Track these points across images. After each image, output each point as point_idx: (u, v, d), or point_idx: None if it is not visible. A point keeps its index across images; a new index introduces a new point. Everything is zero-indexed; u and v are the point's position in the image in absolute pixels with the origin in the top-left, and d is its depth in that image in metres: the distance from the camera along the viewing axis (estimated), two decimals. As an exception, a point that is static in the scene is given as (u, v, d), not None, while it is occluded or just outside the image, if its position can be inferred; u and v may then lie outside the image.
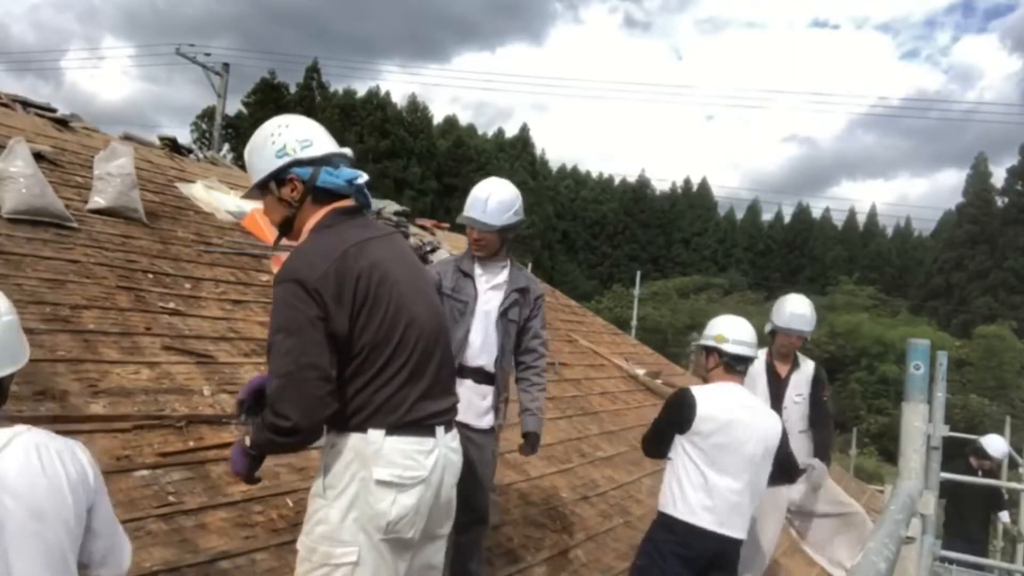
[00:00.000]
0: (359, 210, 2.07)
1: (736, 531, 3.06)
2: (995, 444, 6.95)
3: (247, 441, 2.01)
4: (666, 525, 3.07)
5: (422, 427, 1.97)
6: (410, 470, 1.93)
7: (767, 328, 4.22)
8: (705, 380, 3.31)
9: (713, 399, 3.10)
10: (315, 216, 2.00)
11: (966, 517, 6.53)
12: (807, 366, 4.20)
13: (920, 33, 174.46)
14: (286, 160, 1.98)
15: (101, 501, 1.56)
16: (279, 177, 2.00)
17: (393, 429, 1.92)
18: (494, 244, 3.12)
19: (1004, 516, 7.00)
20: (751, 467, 3.08)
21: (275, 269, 2.12)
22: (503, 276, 3.17)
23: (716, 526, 3.02)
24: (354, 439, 1.92)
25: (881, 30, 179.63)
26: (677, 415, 3.11)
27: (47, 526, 1.41)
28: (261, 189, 2.05)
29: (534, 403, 3.20)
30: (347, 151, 2.09)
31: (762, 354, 4.18)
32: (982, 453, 6.80)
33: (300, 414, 1.83)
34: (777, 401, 4.09)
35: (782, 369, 4.16)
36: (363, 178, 2.04)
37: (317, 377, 1.84)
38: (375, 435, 1.91)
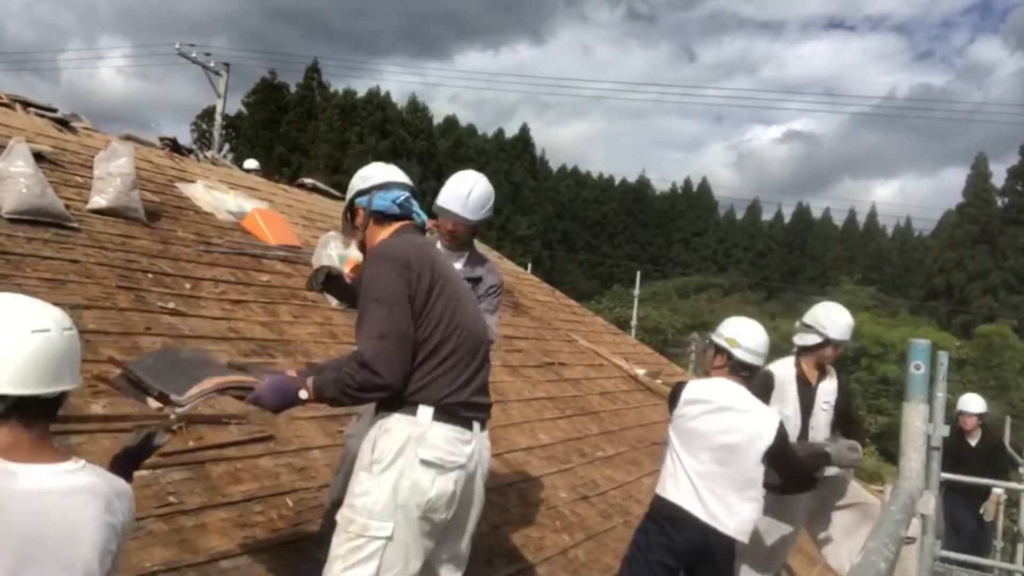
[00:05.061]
0: (422, 230, 2.46)
1: (720, 524, 3.06)
2: (974, 401, 7.04)
3: (304, 393, 2.18)
4: (653, 510, 3.18)
5: (462, 418, 2.20)
6: (451, 455, 2.14)
7: (809, 340, 4.02)
8: (707, 375, 3.36)
9: (705, 387, 3.20)
10: (384, 231, 2.37)
11: (967, 485, 6.48)
12: (833, 374, 4.14)
13: (935, 33, 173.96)
14: (351, 194, 2.46)
15: (122, 553, 1.54)
16: (352, 210, 2.46)
17: (438, 413, 2.15)
18: (465, 236, 3.22)
19: (997, 491, 6.88)
20: (733, 459, 3.09)
21: (346, 269, 2.55)
22: (458, 265, 3.24)
23: (699, 512, 3.05)
24: (404, 420, 2.14)
25: (896, 31, 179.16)
26: (669, 403, 3.26)
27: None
28: (347, 224, 2.51)
29: None
30: (405, 180, 2.49)
31: (788, 363, 4.05)
32: (966, 413, 6.91)
33: (393, 372, 2.10)
34: (808, 410, 4.04)
35: (812, 377, 4.10)
36: (403, 196, 2.41)
37: (406, 341, 2.13)
38: (424, 416, 2.14)
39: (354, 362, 2.13)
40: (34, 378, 1.42)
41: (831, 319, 4.05)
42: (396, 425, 2.14)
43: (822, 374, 4.13)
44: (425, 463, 2.10)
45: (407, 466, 2.10)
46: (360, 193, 2.42)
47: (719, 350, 3.26)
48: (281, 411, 2.28)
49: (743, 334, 3.24)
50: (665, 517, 3.11)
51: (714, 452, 3.08)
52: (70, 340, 1.51)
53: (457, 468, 2.15)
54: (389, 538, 2.07)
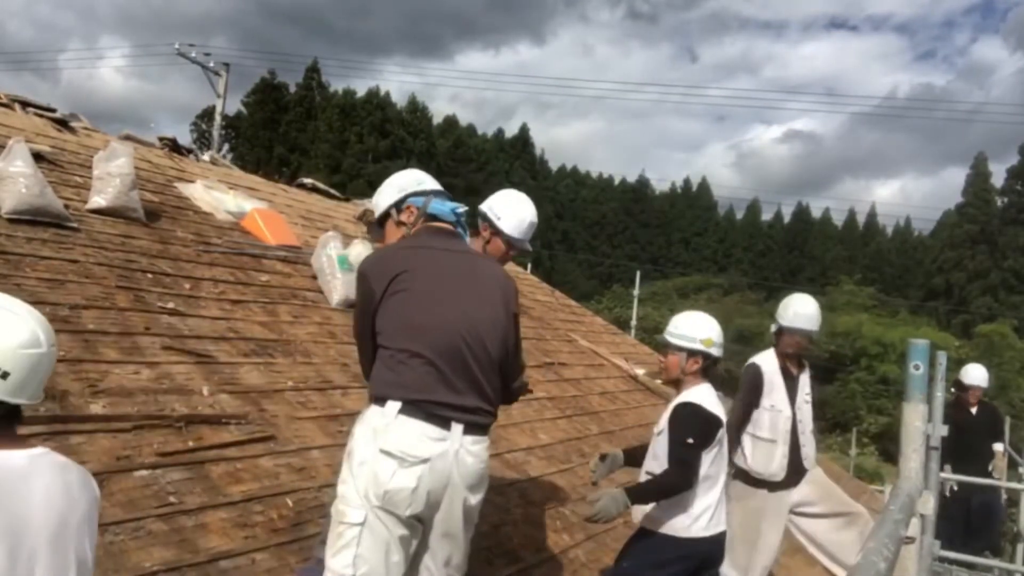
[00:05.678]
0: (453, 233, 2.52)
1: (725, 524, 3.10)
2: (980, 373, 7.16)
3: None
4: (668, 542, 2.99)
5: (435, 416, 2.19)
6: (414, 448, 2.15)
7: (773, 328, 4.19)
8: (676, 382, 3.19)
9: (713, 405, 3.08)
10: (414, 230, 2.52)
11: (967, 445, 6.58)
12: (807, 367, 4.21)
13: (937, 33, 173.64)
14: (405, 193, 2.54)
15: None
16: (399, 206, 2.53)
17: (406, 407, 2.18)
18: None
19: (999, 447, 7.13)
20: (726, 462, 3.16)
21: None
22: None
23: (717, 528, 3.04)
24: (376, 411, 2.21)
25: (898, 31, 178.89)
26: (711, 434, 2.99)
27: (59, 546, 1.44)
28: (385, 219, 2.58)
29: None
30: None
31: (770, 355, 4.14)
32: (967, 386, 7.07)
33: (362, 366, 2.47)
34: (793, 403, 4.07)
35: (793, 369, 4.14)
36: (462, 208, 2.56)
37: (362, 341, 2.39)
38: (391, 408, 2.18)
39: None
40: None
41: (784, 307, 4.14)
42: (369, 416, 2.23)
43: (800, 366, 4.15)
44: (385, 453, 2.14)
45: (370, 455, 2.15)
46: (416, 194, 2.53)
47: (693, 353, 3.09)
48: None
49: (714, 332, 3.14)
50: (681, 546, 2.99)
51: (726, 462, 3.11)
52: (54, 355, 1.56)
53: (419, 463, 2.14)
54: (362, 524, 2.13)
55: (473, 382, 2.27)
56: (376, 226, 2.64)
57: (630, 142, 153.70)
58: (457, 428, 2.20)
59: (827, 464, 6.20)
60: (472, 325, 2.31)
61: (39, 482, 1.45)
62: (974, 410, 7.09)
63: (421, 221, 2.49)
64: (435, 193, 2.54)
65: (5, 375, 1.47)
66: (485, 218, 3.06)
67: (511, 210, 2.99)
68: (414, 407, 2.17)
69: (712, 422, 3.02)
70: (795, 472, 4.05)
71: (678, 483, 2.94)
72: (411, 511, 2.14)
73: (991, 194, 52.48)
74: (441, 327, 2.26)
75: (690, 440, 2.94)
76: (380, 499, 2.12)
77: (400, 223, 2.53)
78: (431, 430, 2.17)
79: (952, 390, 7.30)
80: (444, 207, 2.51)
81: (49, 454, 1.52)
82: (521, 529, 3.79)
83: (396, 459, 2.13)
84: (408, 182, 2.57)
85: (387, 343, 2.27)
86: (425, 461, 2.15)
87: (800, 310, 4.09)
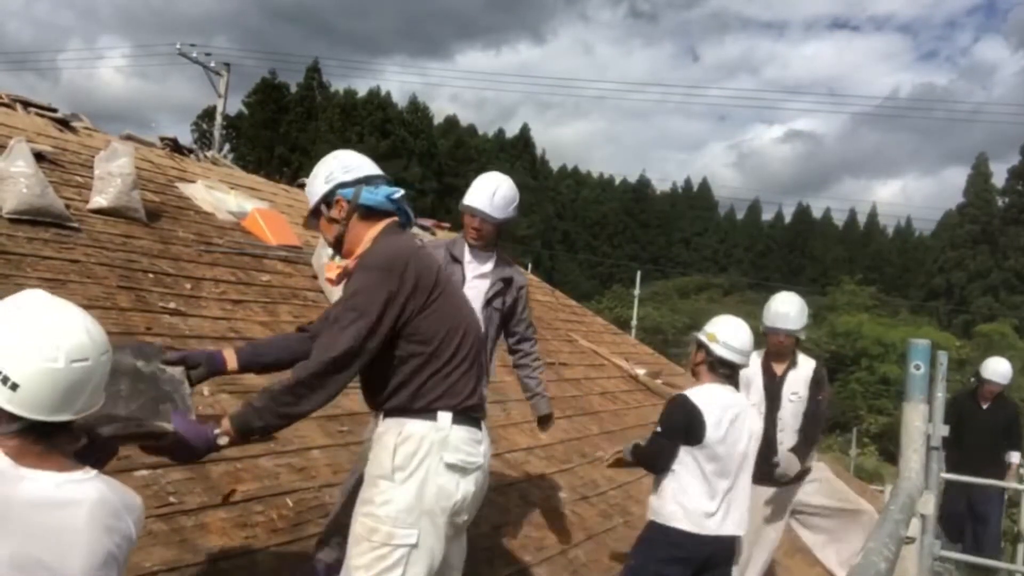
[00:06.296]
0: (406, 228, 2.36)
1: (736, 528, 3.09)
2: (1003, 368, 6.65)
3: (224, 439, 2.06)
4: (665, 534, 3.05)
5: (472, 419, 2.20)
6: (471, 456, 2.15)
7: (761, 328, 4.22)
8: (693, 374, 3.34)
9: (713, 405, 3.09)
10: (373, 229, 2.24)
11: (966, 440, 6.02)
12: (806, 365, 4.18)
13: (939, 33, 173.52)
14: (332, 184, 2.24)
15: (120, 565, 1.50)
16: (328, 200, 2.26)
17: (456, 417, 2.13)
18: (491, 235, 3.29)
19: (1015, 457, 6.53)
20: (744, 464, 3.12)
21: (328, 274, 2.37)
22: (489, 265, 3.34)
23: (719, 530, 3.03)
24: (425, 425, 2.11)
25: (901, 31, 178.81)
26: (686, 429, 3.05)
27: None
28: (317, 214, 2.31)
29: (539, 385, 3.47)
30: (383, 173, 2.35)
31: (758, 355, 4.17)
32: (987, 381, 6.60)
33: (329, 391, 2.07)
34: (773, 400, 4.08)
35: (778, 368, 4.15)
36: (399, 193, 2.29)
37: (362, 358, 2.07)
38: (444, 420, 2.12)
39: (303, 370, 2.06)
40: (45, 406, 1.39)
41: (766, 307, 4.23)
42: (417, 430, 2.11)
43: (790, 365, 4.15)
44: (450, 467, 2.10)
45: (432, 471, 2.08)
46: (343, 185, 2.24)
47: (699, 345, 3.23)
48: (201, 457, 2.12)
49: (723, 330, 3.19)
50: (680, 540, 3.02)
51: (737, 465, 3.09)
52: (80, 371, 1.42)
53: (477, 469, 2.16)
54: (415, 545, 2.06)
55: (482, 378, 2.33)
56: (311, 218, 2.36)
57: (631, 142, 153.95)
58: (483, 426, 2.26)
59: (827, 464, 6.19)
60: (476, 324, 2.37)
61: (61, 511, 1.35)
62: (985, 405, 6.62)
63: (355, 216, 2.23)
64: (366, 180, 2.25)
65: (14, 386, 1.34)
66: None
67: (474, 183, 3.30)
68: (462, 415, 2.16)
69: (695, 422, 3.03)
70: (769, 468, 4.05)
71: (642, 460, 3.26)
72: (469, 516, 2.18)
73: (992, 194, 52.48)
74: (469, 329, 2.25)
75: (658, 428, 3.15)
76: (448, 512, 2.10)
77: (331, 219, 2.26)
78: (476, 434, 2.19)
79: (972, 379, 7.08)
80: (377, 195, 2.24)
81: (89, 480, 1.42)
82: (521, 529, 3.79)
83: (460, 470, 2.12)
84: (334, 170, 2.27)
85: (431, 350, 2.13)
86: (480, 467, 2.17)
87: (779, 310, 4.16)
